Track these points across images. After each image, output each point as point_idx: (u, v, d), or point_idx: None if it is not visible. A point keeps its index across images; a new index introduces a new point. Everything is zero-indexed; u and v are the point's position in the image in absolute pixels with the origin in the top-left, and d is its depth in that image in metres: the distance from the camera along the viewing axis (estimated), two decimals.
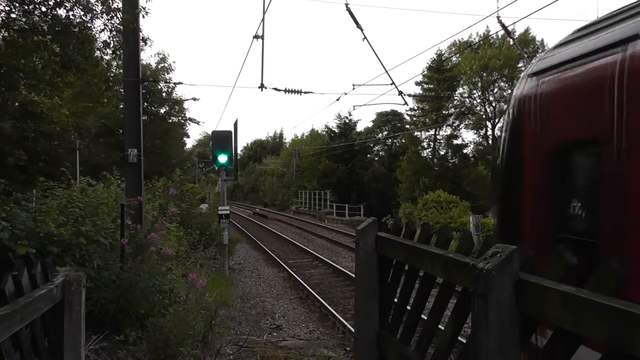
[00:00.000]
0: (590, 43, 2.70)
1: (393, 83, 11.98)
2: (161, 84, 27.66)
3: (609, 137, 2.36)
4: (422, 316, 2.57)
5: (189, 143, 67.51)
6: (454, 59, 39.61)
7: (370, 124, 49.19)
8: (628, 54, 2.32)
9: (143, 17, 7.67)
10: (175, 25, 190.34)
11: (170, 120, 31.75)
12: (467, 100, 40.20)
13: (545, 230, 2.84)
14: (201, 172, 43.27)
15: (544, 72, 3.00)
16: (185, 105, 31.77)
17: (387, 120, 46.22)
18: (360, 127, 50.54)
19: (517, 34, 32.51)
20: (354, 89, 14.95)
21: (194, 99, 29.96)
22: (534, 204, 2.99)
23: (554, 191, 2.82)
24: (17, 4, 6.76)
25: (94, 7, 7.05)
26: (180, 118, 32.66)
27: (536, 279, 1.56)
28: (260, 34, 10.86)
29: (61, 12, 7.06)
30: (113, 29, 7.39)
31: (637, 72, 2.25)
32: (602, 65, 2.48)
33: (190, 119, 33.16)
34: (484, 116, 40.06)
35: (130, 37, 7.72)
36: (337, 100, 16.40)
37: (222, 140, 12.52)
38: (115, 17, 7.25)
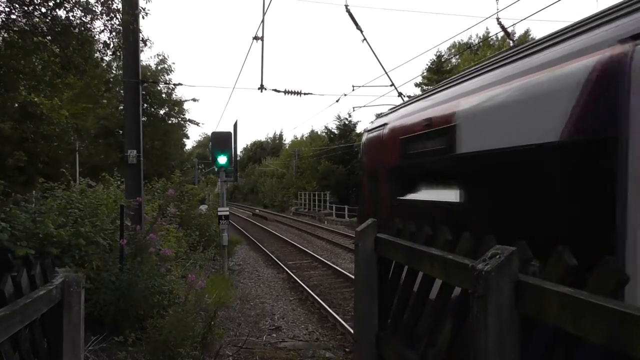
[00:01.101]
0: (379, 121, 5.43)
1: (393, 84, 11.93)
2: (161, 85, 27.71)
3: (382, 167, 5.00)
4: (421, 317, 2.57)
5: (189, 144, 67.60)
6: (453, 60, 39.62)
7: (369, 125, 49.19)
8: (383, 131, 4.95)
9: (143, 18, 7.69)
10: (175, 27, 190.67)
11: (169, 122, 31.78)
12: None
13: (372, 213, 4.94)
14: (201, 173, 43.29)
15: (369, 131, 5.63)
16: (185, 106, 31.83)
17: None
18: (360, 129, 50.57)
19: (517, 35, 32.56)
20: (353, 90, 14.82)
21: (194, 100, 29.94)
22: (368, 200, 5.56)
23: (371, 194, 5.36)
24: (17, 5, 6.76)
25: (93, 8, 7.06)
26: (179, 119, 32.69)
27: (535, 280, 1.56)
28: (260, 35, 10.81)
29: (61, 13, 7.06)
30: (113, 30, 7.39)
31: (386, 138, 4.84)
32: (378, 132, 5.14)
33: (190, 120, 33.18)
34: None
35: (130, 38, 7.73)
36: (337, 101, 16.38)
37: (221, 141, 12.51)
38: (115, 18, 7.25)
